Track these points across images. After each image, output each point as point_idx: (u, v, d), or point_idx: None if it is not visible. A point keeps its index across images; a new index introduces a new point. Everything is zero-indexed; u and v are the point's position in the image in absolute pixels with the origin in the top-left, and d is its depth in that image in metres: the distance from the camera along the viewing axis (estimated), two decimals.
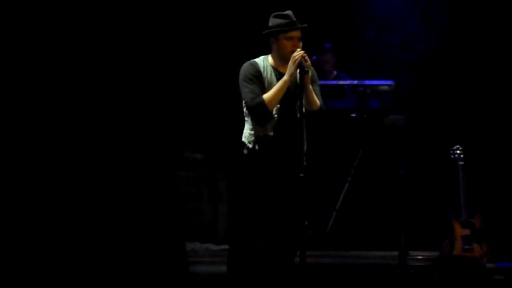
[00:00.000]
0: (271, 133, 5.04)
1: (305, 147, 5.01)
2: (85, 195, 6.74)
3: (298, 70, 4.93)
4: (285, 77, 4.97)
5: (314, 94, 5.02)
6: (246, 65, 5.13)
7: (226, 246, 6.05)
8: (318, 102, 5.04)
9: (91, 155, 7.06)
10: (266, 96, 4.99)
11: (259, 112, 5.01)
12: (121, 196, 6.64)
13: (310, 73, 5.02)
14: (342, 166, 7.60)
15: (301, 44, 5.06)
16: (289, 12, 5.09)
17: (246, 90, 5.05)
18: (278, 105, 5.01)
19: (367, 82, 7.53)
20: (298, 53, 4.95)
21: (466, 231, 6.38)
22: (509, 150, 7.68)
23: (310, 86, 4.99)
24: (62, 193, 6.60)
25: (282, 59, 5.08)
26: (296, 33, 5.05)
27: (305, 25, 5.08)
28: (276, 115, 5.03)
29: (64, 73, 7.08)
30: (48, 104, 6.96)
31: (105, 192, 6.82)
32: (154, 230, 6.69)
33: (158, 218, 6.83)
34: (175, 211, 6.88)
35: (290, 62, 4.95)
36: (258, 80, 5.06)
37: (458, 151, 6.53)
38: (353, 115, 7.57)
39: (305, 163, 4.92)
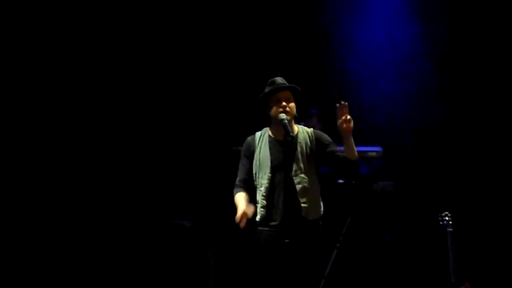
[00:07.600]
0: (264, 202, 4.90)
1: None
2: None
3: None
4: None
5: (353, 143, 4.77)
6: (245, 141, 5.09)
7: None
8: (356, 153, 4.82)
9: None
10: (236, 196, 4.91)
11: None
12: None
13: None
14: (331, 232, 7.52)
15: (291, 105, 4.87)
16: (276, 78, 4.94)
17: (239, 167, 5.05)
18: (269, 174, 4.87)
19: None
20: (281, 113, 4.80)
21: None
22: (497, 217, 7.64)
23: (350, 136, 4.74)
24: None
25: (274, 125, 4.94)
26: (282, 95, 4.86)
27: (286, 84, 4.90)
28: (268, 183, 4.89)
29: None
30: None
31: None
32: None
33: None
34: None
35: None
36: (247, 158, 4.99)
37: (447, 218, 6.46)
38: (341, 181, 7.52)
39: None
